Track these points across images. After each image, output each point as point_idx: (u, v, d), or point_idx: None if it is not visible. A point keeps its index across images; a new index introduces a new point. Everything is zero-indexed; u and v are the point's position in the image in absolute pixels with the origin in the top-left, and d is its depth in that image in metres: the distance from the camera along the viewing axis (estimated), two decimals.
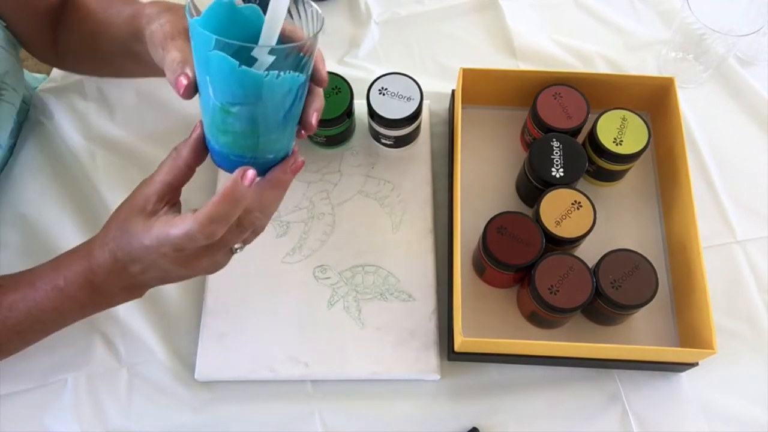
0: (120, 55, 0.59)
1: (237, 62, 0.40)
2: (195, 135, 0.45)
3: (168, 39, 0.47)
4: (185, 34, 0.48)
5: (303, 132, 0.47)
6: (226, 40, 0.39)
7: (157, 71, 0.59)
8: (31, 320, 0.50)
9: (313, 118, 0.46)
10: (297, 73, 0.42)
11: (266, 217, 0.46)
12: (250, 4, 0.45)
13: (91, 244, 0.49)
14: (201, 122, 0.45)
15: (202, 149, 0.45)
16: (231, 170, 0.46)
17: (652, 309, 0.59)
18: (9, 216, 0.67)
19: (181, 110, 0.72)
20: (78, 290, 0.49)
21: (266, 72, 0.40)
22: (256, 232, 0.48)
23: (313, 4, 0.44)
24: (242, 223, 0.45)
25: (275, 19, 0.42)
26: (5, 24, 0.61)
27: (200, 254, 0.45)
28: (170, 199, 0.46)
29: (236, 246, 0.47)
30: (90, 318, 0.62)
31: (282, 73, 0.41)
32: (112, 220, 0.48)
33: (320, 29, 0.43)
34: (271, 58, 0.42)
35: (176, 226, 0.42)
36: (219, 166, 0.46)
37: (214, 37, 0.39)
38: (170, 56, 0.46)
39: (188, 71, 0.44)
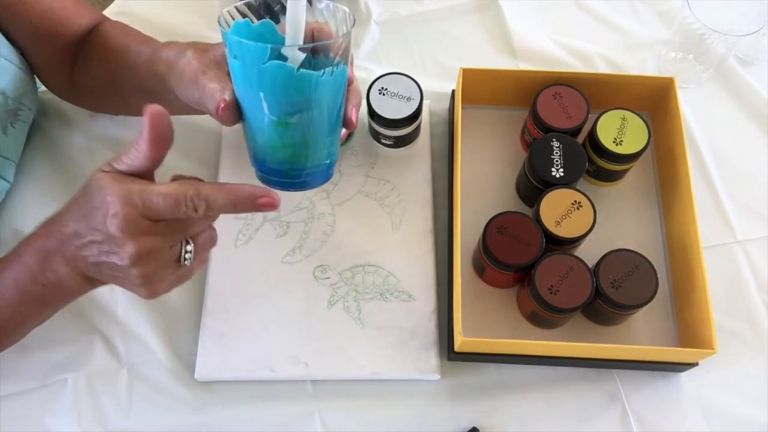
0: (138, 95, 0.59)
1: (294, 67, 0.40)
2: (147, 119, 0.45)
3: (199, 74, 0.48)
4: (215, 66, 0.48)
5: (344, 131, 0.47)
6: (280, 46, 0.40)
7: (179, 110, 0.60)
8: None
9: (353, 114, 0.46)
10: (344, 66, 0.42)
11: (211, 217, 0.46)
12: (264, 20, 0.46)
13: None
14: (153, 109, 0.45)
15: (161, 136, 0.44)
16: (289, 188, 0.46)
17: (652, 309, 0.59)
18: (9, 217, 0.67)
19: (180, 122, 0.71)
20: (29, 256, 0.47)
21: (321, 71, 0.41)
22: (206, 243, 0.46)
23: (340, 6, 0.45)
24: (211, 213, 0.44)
25: (296, 19, 0.42)
26: (21, 52, 0.62)
27: (159, 232, 0.43)
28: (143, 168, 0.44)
29: (186, 251, 0.45)
30: (90, 318, 0.62)
31: (334, 68, 0.41)
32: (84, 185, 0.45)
33: (353, 25, 0.43)
34: (302, 56, 0.42)
35: (162, 187, 0.42)
36: (273, 186, 0.46)
37: (269, 46, 0.40)
38: (209, 87, 0.46)
39: (226, 96, 0.44)
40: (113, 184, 0.42)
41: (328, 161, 0.47)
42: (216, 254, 0.64)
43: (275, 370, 0.59)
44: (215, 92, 0.46)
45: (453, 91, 0.72)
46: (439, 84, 0.73)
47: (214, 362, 0.59)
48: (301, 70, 0.41)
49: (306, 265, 0.64)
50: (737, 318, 0.63)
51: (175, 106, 0.57)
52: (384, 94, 0.63)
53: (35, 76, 0.67)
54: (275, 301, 0.62)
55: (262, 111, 0.43)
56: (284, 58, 0.42)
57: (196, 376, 0.59)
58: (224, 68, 0.48)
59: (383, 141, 0.68)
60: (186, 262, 0.45)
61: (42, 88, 0.74)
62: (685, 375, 0.61)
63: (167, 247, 0.43)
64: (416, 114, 0.63)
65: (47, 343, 0.61)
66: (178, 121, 0.71)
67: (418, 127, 0.67)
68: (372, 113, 0.64)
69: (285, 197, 0.66)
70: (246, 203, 0.43)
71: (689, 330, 0.59)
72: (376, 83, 0.64)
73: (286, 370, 0.59)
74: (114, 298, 0.63)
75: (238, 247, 0.64)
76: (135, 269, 0.43)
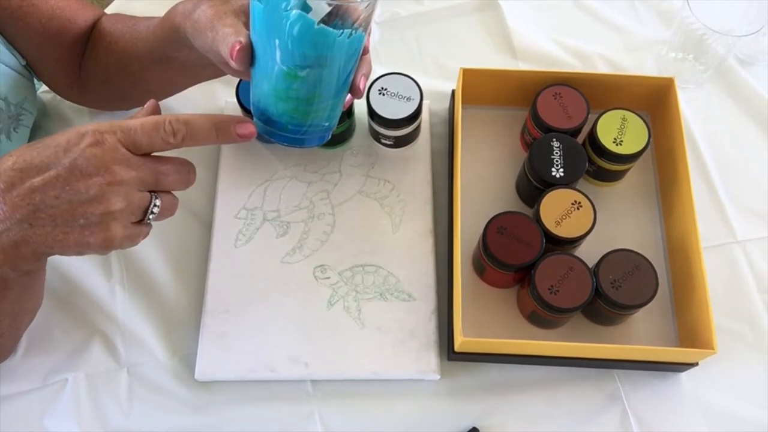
0: (150, 68, 0.59)
1: (314, 20, 0.40)
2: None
3: (215, 20, 0.47)
4: (232, 14, 0.48)
5: (349, 98, 0.46)
6: None
7: (191, 74, 0.60)
8: None
9: (362, 83, 0.46)
10: (362, 33, 0.42)
11: (190, 174, 0.45)
12: None
13: None
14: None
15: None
16: (284, 141, 0.46)
17: (652, 309, 0.59)
18: None
19: (181, 110, 0.72)
20: None
21: (341, 31, 0.41)
22: (173, 206, 0.46)
23: None
24: (191, 169, 0.44)
25: None
26: (26, 63, 0.62)
27: (132, 164, 0.41)
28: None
29: (155, 205, 0.44)
30: (90, 318, 0.62)
31: (353, 32, 0.41)
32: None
33: None
34: (326, 9, 0.42)
35: (138, 114, 0.41)
36: (270, 137, 0.46)
37: None
38: (222, 31, 0.46)
39: (242, 38, 0.44)
40: (83, 126, 0.41)
41: (327, 123, 0.47)
42: (216, 254, 0.64)
43: (275, 370, 0.59)
44: (230, 35, 0.45)
45: (453, 91, 0.72)
46: (439, 84, 0.73)
47: (214, 362, 0.59)
48: (321, 25, 0.41)
49: (306, 265, 0.64)
50: (737, 318, 0.63)
51: (187, 71, 0.58)
52: (384, 94, 0.63)
53: (41, 80, 0.67)
54: (275, 301, 0.62)
55: (274, 59, 0.43)
56: (308, 9, 0.42)
57: (196, 376, 0.59)
58: (241, 18, 0.48)
59: (383, 141, 0.68)
60: (151, 216, 0.44)
61: (42, 88, 0.74)
62: (685, 375, 0.61)
63: (138, 188, 0.42)
64: (416, 114, 0.63)
65: (47, 343, 0.61)
66: None
67: (418, 127, 0.67)
68: (372, 113, 0.64)
69: (285, 197, 0.67)
70: (226, 128, 0.43)
71: (689, 330, 0.59)
72: (376, 83, 0.64)
73: (286, 370, 0.59)
74: (114, 298, 0.63)
75: (238, 247, 0.64)
76: (100, 202, 0.40)
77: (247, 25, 0.46)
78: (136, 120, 0.42)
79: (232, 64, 0.45)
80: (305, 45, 0.41)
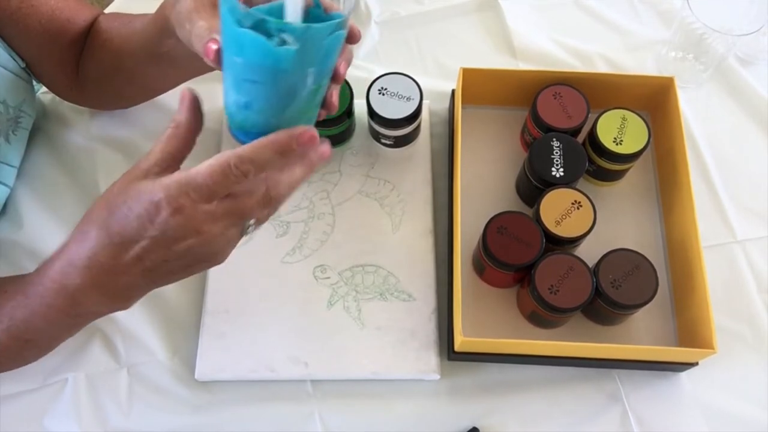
0: (144, 63, 0.59)
1: (262, 37, 0.39)
2: (187, 99, 0.44)
3: (193, 12, 0.47)
4: (210, 5, 0.47)
5: (332, 86, 0.45)
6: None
7: (183, 68, 0.60)
8: (26, 326, 0.47)
9: (342, 68, 0.45)
10: (341, 32, 0.42)
11: (287, 192, 0.44)
12: None
13: (70, 236, 0.43)
14: (188, 90, 0.44)
15: (198, 112, 0.44)
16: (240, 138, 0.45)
17: (652, 309, 0.59)
18: (9, 218, 0.67)
19: None
20: (55, 297, 0.44)
21: (281, 40, 0.40)
22: (271, 207, 0.45)
23: None
24: (269, 200, 0.43)
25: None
26: (25, 65, 0.62)
27: (218, 216, 0.41)
28: (173, 171, 0.42)
29: (249, 225, 0.44)
30: None
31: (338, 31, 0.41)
32: (96, 202, 0.42)
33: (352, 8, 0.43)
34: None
35: (202, 166, 0.40)
36: (237, 138, 0.45)
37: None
38: (197, 25, 0.45)
39: (216, 36, 0.43)
40: (151, 184, 0.40)
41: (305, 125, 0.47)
42: None
43: (275, 370, 0.59)
44: (203, 31, 0.45)
45: (453, 91, 0.72)
46: (439, 84, 0.73)
47: (214, 362, 0.59)
48: (310, 24, 0.40)
49: (306, 265, 0.64)
50: (737, 318, 0.63)
51: (180, 65, 0.57)
52: (384, 94, 0.63)
53: (40, 81, 0.67)
54: (275, 301, 0.62)
55: (234, 64, 0.42)
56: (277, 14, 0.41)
57: (196, 376, 0.59)
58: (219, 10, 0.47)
59: (383, 141, 0.68)
60: (249, 230, 0.45)
61: (42, 89, 0.74)
62: (685, 375, 0.61)
63: (229, 228, 0.43)
64: (416, 114, 0.63)
65: None
66: None
67: (418, 127, 0.67)
68: (372, 113, 0.64)
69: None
70: (288, 145, 0.41)
71: (689, 330, 0.59)
72: (376, 83, 0.64)
73: (286, 370, 0.59)
74: None
75: (238, 247, 0.64)
76: (204, 251, 0.42)
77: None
78: (202, 171, 0.40)
79: (209, 63, 0.44)
80: (240, 50, 0.40)
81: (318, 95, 0.45)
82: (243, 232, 0.44)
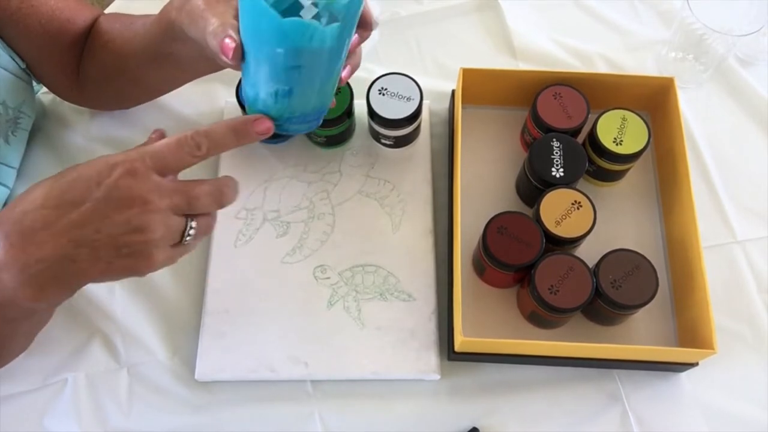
0: (147, 65, 0.59)
1: (278, 15, 0.40)
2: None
3: (206, 10, 0.47)
4: (223, 2, 0.48)
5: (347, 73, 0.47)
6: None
7: (188, 70, 0.60)
8: None
9: (356, 39, 0.47)
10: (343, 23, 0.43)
11: (234, 196, 0.45)
12: None
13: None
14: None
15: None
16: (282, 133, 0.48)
17: (652, 309, 0.59)
18: None
19: (181, 110, 0.72)
20: None
21: (316, 21, 0.41)
22: (209, 227, 0.45)
23: None
24: (223, 193, 0.44)
25: None
26: (26, 66, 0.62)
27: (166, 191, 0.41)
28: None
29: (191, 227, 0.44)
30: (90, 318, 0.62)
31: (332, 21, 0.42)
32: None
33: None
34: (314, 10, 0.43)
35: (160, 142, 0.41)
36: (284, 131, 0.47)
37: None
38: (212, 23, 0.46)
39: (232, 33, 0.44)
40: (113, 155, 0.41)
41: (315, 112, 0.48)
42: (216, 254, 0.64)
43: (275, 370, 0.59)
44: (219, 28, 0.45)
45: (453, 91, 0.72)
46: (439, 84, 0.73)
47: (214, 362, 0.59)
48: (296, 17, 0.41)
49: (306, 265, 0.64)
50: (737, 318, 0.63)
51: (183, 66, 0.57)
52: (384, 94, 0.63)
53: (41, 81, 0.67)
54: (275, 301, 0.62)
55: (259, 53, 0.43)
56: (299, 8, 0.42)
57: (196, 376, 0.59)
58: (232, 5, 0.48)
59: (383, 141, 0.68)
60: (188, 239, 0.44)
61: (42, 89, 0.74)
62: (685, 375, 0.61)
63: (174, 213, 0.42)
64: (416, 114, 0.63)
65: (47, 343, 0.60)
66: (178, 121, 0.72)
67: (418, 127, 0.67)
68: (372, 113, 0.64)
69: (285, 197, 0.67)
70: (244, 129, 0.44)
71: (689, 330, 0.59)
72: (376, 83, 0.64)
73: (286, 370, 0.59)
74: (114, 298, 0.63)
75: (238, 247, 0.64)
76: (141, 232, 0.40)
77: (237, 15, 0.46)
78: (160, 143, 0.42)
79: (224, 61, 0.45)
80: (283, 39, 0.41)
81: (333, 79, 0.47)
82: (183, 233, 0.44)
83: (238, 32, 0.45)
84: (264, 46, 0.43)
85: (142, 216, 0.40)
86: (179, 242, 0.44)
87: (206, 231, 0.46)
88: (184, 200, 0.43)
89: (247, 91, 0.47)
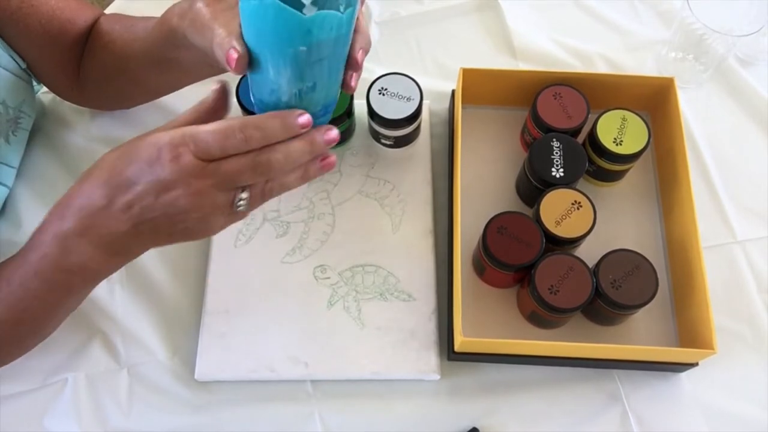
0: (148, 68, 0.59)
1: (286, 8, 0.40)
2: (218, 86, 0.46)
3: (211, 20, 0.47)
4: (228, 11, 0.47)
5: (353, 77, 0.46)
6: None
7: (189, 74, 0.60)
8: (23, 292, 0.48)
9: (359, 55, 0.46)
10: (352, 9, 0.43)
11: (285, 170, 0.45)
12: None
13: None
14: (221, 81, 0.47)
15: (225, 97, 0.46)
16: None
17: (652, 309, 0.59)
18: (8, 219, 0.67)
19: (181, 111, 0.71)
20: (47, 245, 0.45)
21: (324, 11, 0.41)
22: (264, 177, 0.45)
23: None
24: (260, 164, 0.43)
25: None
26: (26, 66, 0.62)
27: (208, 173, 0.42)
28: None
29: (241, 198, 0.44)
30: (90, 318, 0.62)
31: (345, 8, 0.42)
32: (110, 152, 0.44)
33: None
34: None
35: (210, 124, 0.42)
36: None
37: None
38: (218, 33, 0.46)
39: (236, 44, 0.44)
40: (159, 134, 0.42)
41: (323, 108, 0.48)
42: (216, 254, 0.64)
43: (275, 370, 0.59)
44: (224, 38, 0.45)
45: (453, 91, 0.72)
46: (439, 84, 0.73)
47: (214, 362, 0.59)
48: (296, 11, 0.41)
49: (306, 265, 0.64)
50: (737, 318, 0.63)
51: (186, 71, 0.58)
52: (384, 94, 0.63)
53: (41, 81, 0.67)
54: (275, 301, 0.62)
55: (265, 57, 0.43)
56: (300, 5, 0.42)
57: (196, 376, 0.59)
58: (236, 13, 0.47)
59: (383, 141, 0.68)
60: (240, 208, 0.45)
61: (42, 89, 0.74)
62: (685, 375, 0.61)
63: (218, 190, 0.43)
64: (416, 114, 0.63)
65: (47, 343, 0.60)
66: None
67: (418, 127, 0.67)
68: (372, 113, 0.64)
69: (285, 197, 0.66)
70: (290, 121, 0.43)
71: (689, 330, 0.59)
72: (376, 83, 0.64)
73: (286, 370, 0.59)
74: (114, 298, 0.63)
75: (238, 247, 0.64)
76: (192, 211, 0.43)
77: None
78: (207, 128, 0.42)
79: (231, 71, 0.45)
80: (307, 36, 0.41)
81: (339, 72, 0.47)
82: (234, 204, 0.44)
83: (244, 43, 0.45)
84: (287, 49, 0.42)
85: (187, 198, 0.42)
86: (232, 211, 0.45)
87: (261, 198, 0.46)
88: (226, 180, 0.43)
89: (265, 99, 0.46)
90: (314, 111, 0.46)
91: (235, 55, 0.43)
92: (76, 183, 0.45)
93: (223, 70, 0.55)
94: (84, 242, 0.44)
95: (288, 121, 0.43)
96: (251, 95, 0.48)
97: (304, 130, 0.44)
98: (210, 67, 0.52)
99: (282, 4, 0.40)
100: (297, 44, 0.42)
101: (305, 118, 0.44)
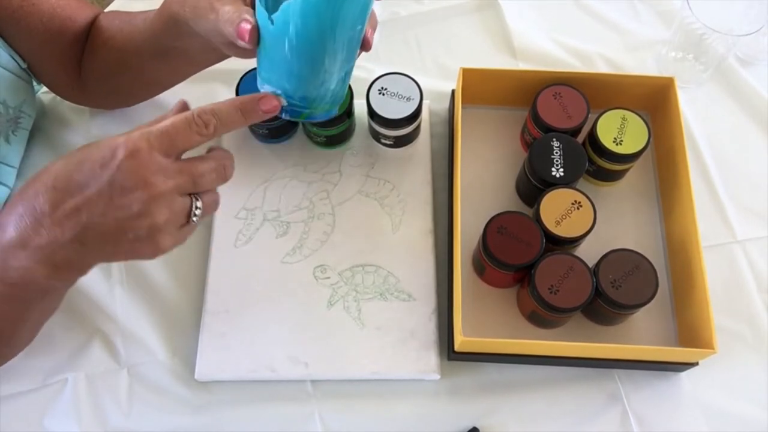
0: (150, 60, 0.59)
1: None
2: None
3: (214, 1, 0.47)
4: None
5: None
6: None
7: (192, 62, 0.60)
8: None
9: (370, 34, 0.46)
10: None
11: (226, 170, 0.45)
12: None
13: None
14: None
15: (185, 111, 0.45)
16: (294, 116, 0.48)
17: (652, 309, 0.59)
18: None
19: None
20: None
21: None
22: (216, 204, 0.46)
23: None
24: (227, 168, 0.44)
25: None
26: (27, 66, 0.62)
27: (170, 172, 0.41)
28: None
29: (197, 207, 0.43)
30: (90, 318, 0.62)
31: None
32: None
33: None
34: None
35: (165, 119, 0.41)
36: (281, 114, 0.48)
37: None
38: (224, 11, 0.46)
39: (248, 16, 0.44)
40: (117, 136, 0.41)
41: (332, 95, 0.49)
42: (216, 254, 0.64)
43: (275, 370, 0.59)
44: (233, 14, 0.45)
45: (453, 91, 0.72)
46: (439, 84, 0.73)
47: (214, 362, 0.59)
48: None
49: (306, 265, 0.64)
50: (737, 318, 0.63)
51: (188, 59, 0.58)
52: (384, 94, 0.63)
53: (41, 81, 0.67)
54: (275, 301, 0.62)
55: (284, 33, 0.44)
56: None
57: (196, 376, 0.59)
58: None
59: (383, 141, 0.68)
60: (194, 219, 0.44)
61: (42, 89, 0.74)
62: (685, 375, 0.61)
63: (178, 194, 0.42)
64: (416, 114, 0.63)
65: (47, 343, 0.60)
66: None
67: (418, 127, 0.67)
68: (372, 113, 0.64)
69: (285, 197, 0.67)
70: (251, 107, 0.44)
71: (689, 330, 0.59)
72: (376, 83, 0.64)
73: (286, 370, 0.59)
74: (114, 298, 0.63)
75: (238, 247, 0.64)
76: (146, 217, 0.40)
77: (246, 2, 0.47)
78: (165, 122, 0.41)
79: (242, 44, 0.45)
80: (364, 14, 0.42)
81: (353, 56, 0.48)
82: (189, 214, 0.43)
83: (254, 16, 0.45)
84: (346, 32, 0.43)
85: (146, 200, 0.40)
86: (186, 223, 0.44)
87: (213, 208, 0.46)
88: (189, 179, 0.42)
89: (311, 94, 0.46)
90: (346, 91, 0.47)
91: (248, 26, 0.43)
92: (20, 189, 0.42)
93: (226, 56, 0.55)
94: (23, 256, 0.41)
95: (248, 106, 0.44)
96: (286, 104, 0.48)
97: (267, 116, 0.45)
98: (213, 52, 0.52)
99: None
100: (356, 24, 0.42)
101: (271, 104, 0.45)
